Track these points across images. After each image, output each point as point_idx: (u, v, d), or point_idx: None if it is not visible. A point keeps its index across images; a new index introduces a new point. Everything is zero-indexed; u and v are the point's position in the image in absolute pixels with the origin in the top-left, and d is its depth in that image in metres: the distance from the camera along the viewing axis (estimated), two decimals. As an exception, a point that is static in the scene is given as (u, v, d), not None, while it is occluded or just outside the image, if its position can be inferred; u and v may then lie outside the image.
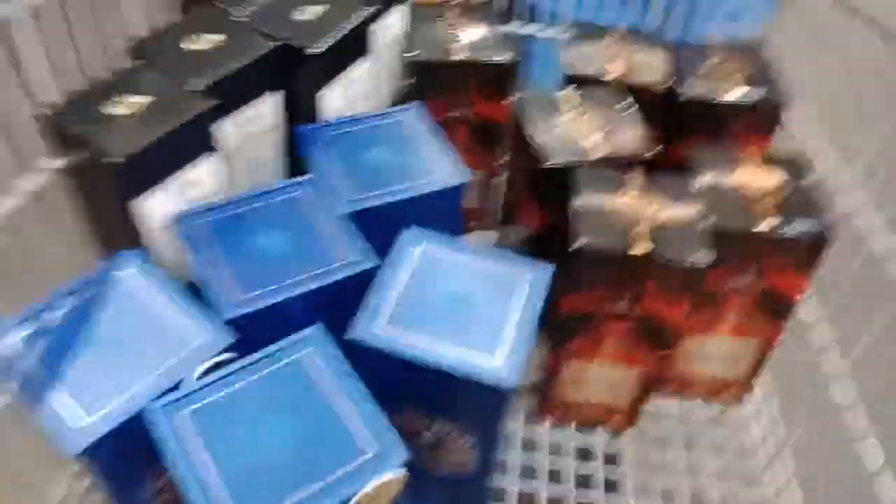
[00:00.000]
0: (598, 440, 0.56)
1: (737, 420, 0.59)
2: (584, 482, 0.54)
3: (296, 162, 0.52)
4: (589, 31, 0.61)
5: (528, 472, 0.54)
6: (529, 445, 0.56)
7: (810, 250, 0.47)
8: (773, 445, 0.57)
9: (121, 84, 0.44)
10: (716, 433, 0.58)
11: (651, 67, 0.58)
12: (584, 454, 0.57)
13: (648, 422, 0.57)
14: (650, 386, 0.52)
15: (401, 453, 0.32)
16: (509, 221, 0.60)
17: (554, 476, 0.54)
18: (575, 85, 0.56)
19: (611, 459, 0.56)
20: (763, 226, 0.46)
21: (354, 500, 0.31)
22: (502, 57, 0.57)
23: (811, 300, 0.56)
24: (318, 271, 0.40)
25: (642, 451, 0.56)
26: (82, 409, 0.34)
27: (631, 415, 0.54)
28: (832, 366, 0.51)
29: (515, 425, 0.56)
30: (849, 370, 0.50)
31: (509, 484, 0.53)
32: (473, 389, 0.37)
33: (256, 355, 0.35)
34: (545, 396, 0.54)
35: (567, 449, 0.56)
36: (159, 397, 0.33)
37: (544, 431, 0.56)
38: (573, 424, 0.56)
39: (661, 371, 0.51)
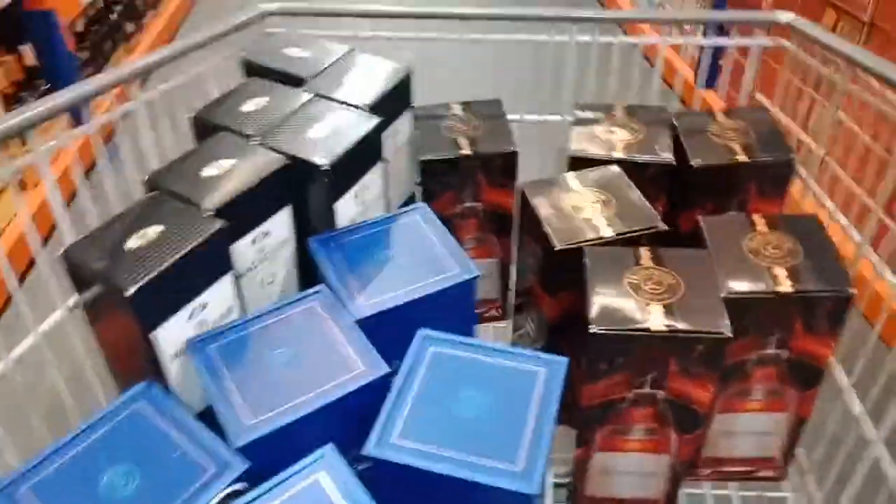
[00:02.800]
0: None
1: (776, 502, 0.56)
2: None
3: (311, 273, 0.52)
4: (591, 110, 0.62)
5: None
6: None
7: (833, 311, 0.46)
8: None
9: (136, 217, 0.45)
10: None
11: (655, 140, 0.58)
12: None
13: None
14: (683, 473, 0.50)
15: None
16: (523, 310, 0.60)
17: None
18: (580, 166, 0.57)
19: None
20: (782, 288, 0.45)
21: None
22: (505, 147, 0.60)
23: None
24: (327, 386, 0.40)
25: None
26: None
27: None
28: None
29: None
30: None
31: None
32: (496, 498, 0.36)
33: (269, 483, 0.34)
34: (574, 495, 0.52)
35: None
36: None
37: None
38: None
39: (692, 456, 0.49)
